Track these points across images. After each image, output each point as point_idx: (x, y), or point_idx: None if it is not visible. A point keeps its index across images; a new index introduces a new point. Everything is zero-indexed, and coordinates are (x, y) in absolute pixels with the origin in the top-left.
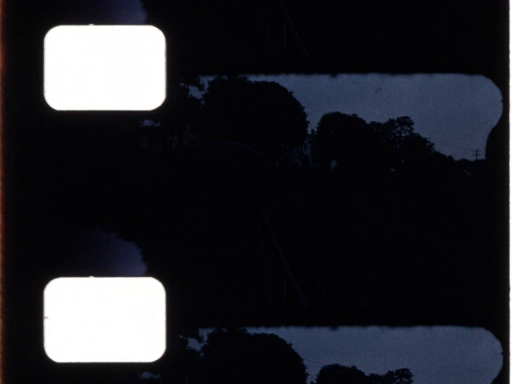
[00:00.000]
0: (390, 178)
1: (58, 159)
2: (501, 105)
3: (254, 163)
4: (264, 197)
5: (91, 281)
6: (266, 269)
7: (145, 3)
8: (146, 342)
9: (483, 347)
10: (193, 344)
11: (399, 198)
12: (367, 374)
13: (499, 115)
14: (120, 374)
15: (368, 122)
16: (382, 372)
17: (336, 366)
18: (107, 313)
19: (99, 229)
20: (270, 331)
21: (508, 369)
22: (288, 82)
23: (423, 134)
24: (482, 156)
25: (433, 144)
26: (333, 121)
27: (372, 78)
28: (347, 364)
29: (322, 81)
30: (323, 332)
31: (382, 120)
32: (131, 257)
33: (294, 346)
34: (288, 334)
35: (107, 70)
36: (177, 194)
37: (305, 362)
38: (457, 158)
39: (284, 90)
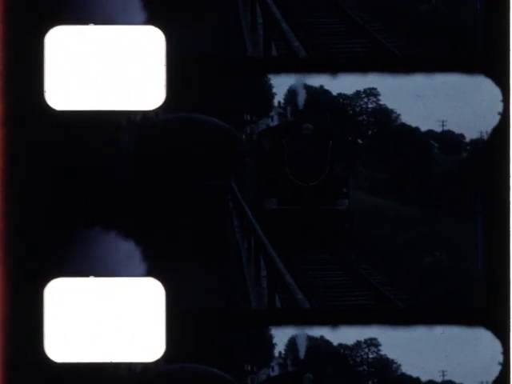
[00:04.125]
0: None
1: (58, 159)
2: (501, 105)
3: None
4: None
5: (91, 281)
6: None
7: (145, 3)
8: (146, 342)
9: (483, 347)
10: (192, 344)
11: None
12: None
13: (499, 115)
14: (120, 374)
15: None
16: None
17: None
18: (107, 313)
19: (99, 229)
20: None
21: (508, 369)
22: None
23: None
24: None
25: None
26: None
27: (371, 78)
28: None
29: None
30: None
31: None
32: (131, 256)
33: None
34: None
35: (107, 70)
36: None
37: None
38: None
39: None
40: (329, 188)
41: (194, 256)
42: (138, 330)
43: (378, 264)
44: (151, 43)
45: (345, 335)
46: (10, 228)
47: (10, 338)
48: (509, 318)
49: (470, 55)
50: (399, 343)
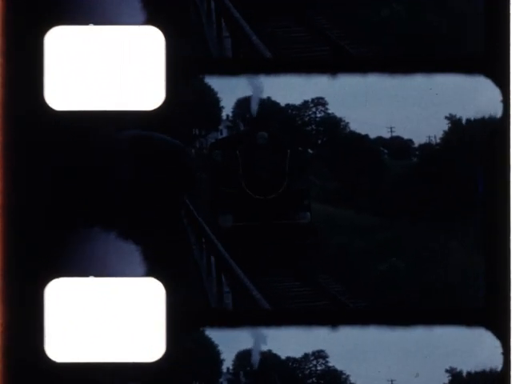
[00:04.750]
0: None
1: (58, 159)
2: (501, 105)
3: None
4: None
5: (91, 281)
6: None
7: (145, 3)
8: (146, 342)
9: (483, 347)
10: (193, 344)
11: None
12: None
13: (499, 115)
14: (120, 374)
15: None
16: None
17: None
18: (107, 313)
19: (99, 229)
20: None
21: (508, 369)
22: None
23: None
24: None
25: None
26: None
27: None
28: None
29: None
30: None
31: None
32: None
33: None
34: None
35: (107, 70)
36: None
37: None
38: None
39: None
40: (289, 201)
41: (153, 274)
42: (138, 329)
43: (336, 272)
44: (151, 43)
45: (343, 335)
46: (10, 228)
47: (10, 338)
48: (509, 318)
49: (470, 56)
50: (398, 344)
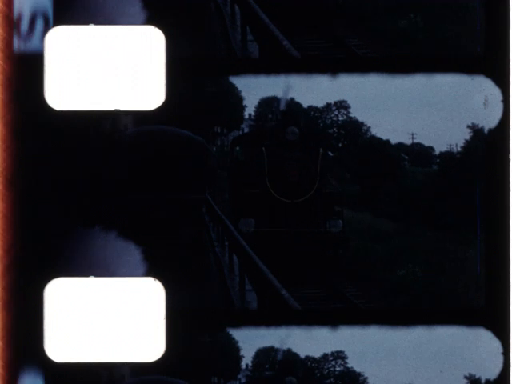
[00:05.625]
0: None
1: (58, 159)
2: (501, 105)
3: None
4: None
5: (91, 281)
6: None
7: (145, 3)
8: (146, 342)
9: (483, 347)
10: (193, 344)
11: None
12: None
13: (499, 115)
14: (120, 374)
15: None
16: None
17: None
18: (107, 313)
19: (99, 229)
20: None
21: (508, 369)
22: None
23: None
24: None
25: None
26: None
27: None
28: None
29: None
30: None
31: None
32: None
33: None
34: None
35: (107, 70)
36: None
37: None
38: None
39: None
40: (318, 206)
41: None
42: (137, 329)
43: (352, 277)
44: (151, 43)
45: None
46: (10, 228)
47: (10, 338)
48: (509, 318)
49: (470, 55)
50: (399, 343)
